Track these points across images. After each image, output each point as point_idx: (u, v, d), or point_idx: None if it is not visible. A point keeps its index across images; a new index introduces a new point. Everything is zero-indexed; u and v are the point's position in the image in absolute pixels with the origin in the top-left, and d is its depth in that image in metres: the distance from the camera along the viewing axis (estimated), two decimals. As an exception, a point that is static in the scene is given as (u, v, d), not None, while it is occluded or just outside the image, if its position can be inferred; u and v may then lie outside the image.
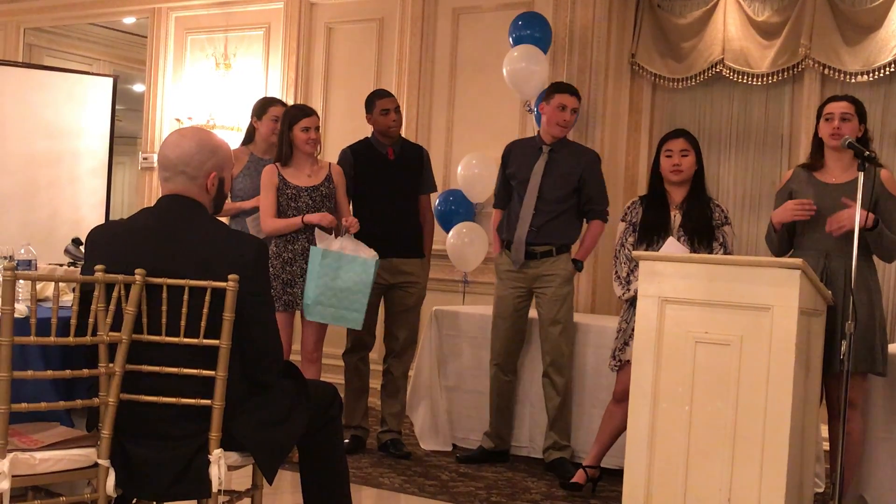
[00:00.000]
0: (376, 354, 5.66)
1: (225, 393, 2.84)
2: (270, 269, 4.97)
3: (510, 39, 6.34)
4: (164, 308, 2.80)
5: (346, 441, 5.39)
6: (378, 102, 5.43)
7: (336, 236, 4.99)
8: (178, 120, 7.87)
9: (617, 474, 4.34)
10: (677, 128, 5.01)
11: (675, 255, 4.36)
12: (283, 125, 5.10)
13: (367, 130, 5.56)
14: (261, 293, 2.94)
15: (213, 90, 7.73)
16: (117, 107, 9.66)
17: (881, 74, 5.67)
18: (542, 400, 5.24)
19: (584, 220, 5.28)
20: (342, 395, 5.41)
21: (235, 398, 2.90)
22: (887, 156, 5.76)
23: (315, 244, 4.91)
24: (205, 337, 2.82)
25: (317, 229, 4.94)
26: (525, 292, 5.21)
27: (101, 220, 7.92)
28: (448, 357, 5.71)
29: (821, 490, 4.80)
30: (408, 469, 5.12)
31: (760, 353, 3.91)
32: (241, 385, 2.94)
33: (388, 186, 5.38)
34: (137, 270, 2.79)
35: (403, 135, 5.72)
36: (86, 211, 7.92)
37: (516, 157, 5.29)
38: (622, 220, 4.80)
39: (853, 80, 5.76)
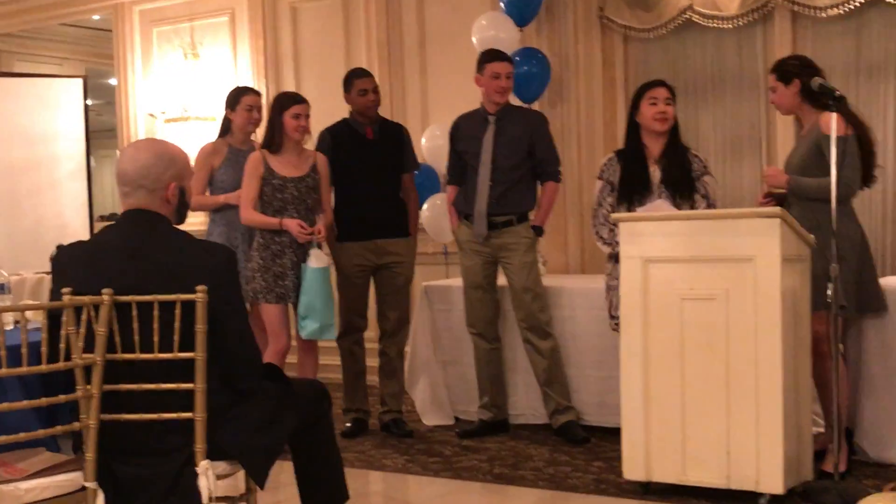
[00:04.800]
0: (373, 333, 5.64)
1: (206, 404, 2.83)
2: (260, 262, 4.95)
3: (501, 5, 6.24)
4: (135, 326, 2.78)
5: (349, 424, 5.41)
6: (356, 82, 5.38)
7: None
8: (151, 115, 7.82)
9: (617, 433, 4.34)
10: (655, 78, 4.96)
11: (654, 213, 4.34)
12: (274, 111, 5.06)
13: (342, 109, 5.51)
14: (232, 302, 2.92)
15: (183, 81, 7.66)
16: (95, 102, 9.64)
17: (851, 7, 5.60)
18: (531, 366, 5.24)
19: (539, 182, 5.26)
20: (341, 379, 5.50)
21: (218, 408, 2.89)
22: (862, 90, 5.70)
23: (305, 258, 4.95)
24: (179, 350, 2.80)
25: (314, 250, 4.96)
26: (491, 260, 5.22)
27: (86, 223, 7.90)
28: (442, 331, 5.70)
29: (822, 430, 4.80)
30: (411, 447, 5.13)
31: (747, 305, 3.92)
32: (222, 394, 2.92)
33: (369, 166, 5.35)
34: (104, 290, 2.77)
35: (379, 111, 5.66)
36: (70, 215, 7.89)
37: (464, 132, 5.27)
38: (599, 178, 4.75)
39: (823, 15, 5.69)
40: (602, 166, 4.78)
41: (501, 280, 5.32)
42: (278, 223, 4.93)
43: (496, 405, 5.37)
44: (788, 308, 3.94)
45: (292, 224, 4.91)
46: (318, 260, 4.95)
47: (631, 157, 4.68)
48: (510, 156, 5.14)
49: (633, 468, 4.15)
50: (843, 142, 4.12)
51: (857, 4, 5.57)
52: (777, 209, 3.90)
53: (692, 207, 4.56)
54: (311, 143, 5.34)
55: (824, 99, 4.21)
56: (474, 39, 6.14)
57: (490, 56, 5.21)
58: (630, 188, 4.63)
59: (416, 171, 5.63)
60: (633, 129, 4.72)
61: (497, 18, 6.15)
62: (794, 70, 4.50)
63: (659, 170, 4.62)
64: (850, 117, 4.34)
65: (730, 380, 3.95)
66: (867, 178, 4.42)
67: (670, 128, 4.67)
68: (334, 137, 5.40)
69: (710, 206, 4.57)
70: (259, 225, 4.99)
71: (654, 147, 4.67)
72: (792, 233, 3.99)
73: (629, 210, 4.56)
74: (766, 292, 3.87)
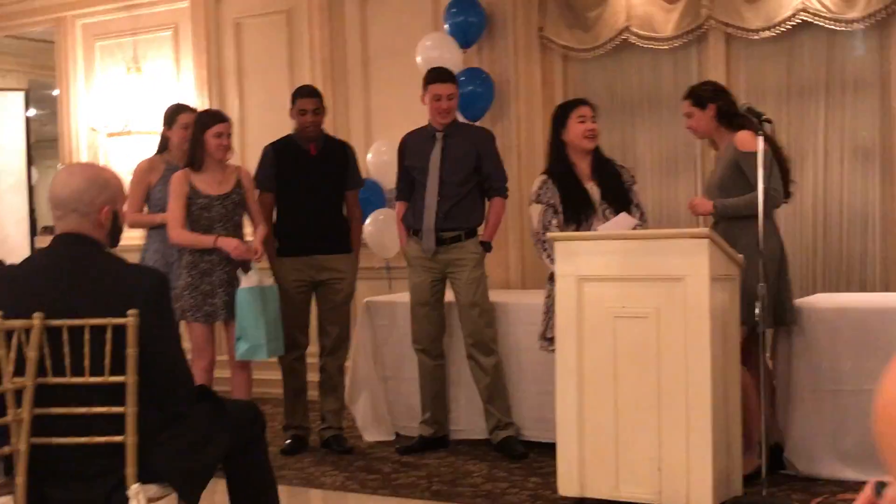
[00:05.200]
0: (315, 349, 5.66)
1: (137, 427, 2.84)
2: (188, 279, 4.96)
3: (446, 27, 6.31)
4: (66, 349, 2.79)
5: (289, 441, 5.42)
6: (298, 101, 5.42)
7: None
8: (93, 129, 7.78)
9: (551, 447, 4.41)
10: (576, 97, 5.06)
11: (587, 233, 4.43)
12: (196, 130, 5.06)
13: (285, 125, 5.53)
14: (164, 325, 2.94)
15: (126, 95, 7.64)
16: (40, 112, 9.55)
17: (782, 29, 5.74)
18: (474, 383, 5.29)
19: (486, 199, 5.33)
20: (282, 396, 5.51)
21: (149, 430, 2.90)
22: (794, 110, 5.85)
23: (236, 276, 4.95)
24: (111, 373, 2.81)
25: (251, 271, 4.96)
26: (439, 276, 5.27)
27: (27, 237, 7.84)
28: (383, 347, 5.74)
29: (754, 444, 4.91)
30: (350, 464, 5.16)
31: (677, 323, 4.00)
32: (153, 417, 2.93)
33: (310, 182, 5.38)
34: (35, 314, 2.78)
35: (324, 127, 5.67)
36: (10, 229, 7.83)
37: (412, 148, 5.33)
38: (537, 202, 4.74)
39: (756, 37, 5.83)
40: (537, 190, 4.75)
41: (449, 296, 5.36)
42: (212, 241, 4.93)
43: (437, 421, 5.41)
44: (717, 326, 4.03)
45: (229, 244, 4.91)
46: (248, 280, 4.96)
47: (566, 177, 4.71)
48: (457, 171, 5.20)
49: (568, 484, 4.21)
50: (764, 156, 4.30)
51: (789, 27, 5.71)
52: (706, 230, 4.00)
53: None
54: (251, 153, 5.33)
55: (739, 121, 4.49)
56: (418, 59, 6.21)
57: (432, 77, 5.28)
58: (576, 209, 4.65)
59: (360, 189, 5.66)
60: (560, 148, 4.76)
61: (441, 39, 6.22)
62: (709, 95, 4.67)
63: (596, 186, 4.67)
64: (765, 136, 4.48)
65: (661, 396, 4.03)
66: (785, 194, 4.58)
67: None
68: (277, 153, 5.43)
69: (642, 214, 4.67)
70: (191, 243, 4.98)
71: (583, 165, 4.72)
72: (721, 252, 4.08)
73: (578, 230, 4.59)
74: (696, 311, 3.96)
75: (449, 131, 5.24)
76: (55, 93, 8.60)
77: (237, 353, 4.99)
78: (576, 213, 4.65)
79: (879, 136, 5.67)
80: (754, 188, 4.24)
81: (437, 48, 6.17)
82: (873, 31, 5.66)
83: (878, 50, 5.69)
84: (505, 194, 5.34)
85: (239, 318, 4.92)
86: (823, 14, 5.59)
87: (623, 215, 4.50)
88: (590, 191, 4.69)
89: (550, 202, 4.69)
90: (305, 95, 5.45)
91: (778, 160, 4.51)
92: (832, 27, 5.62)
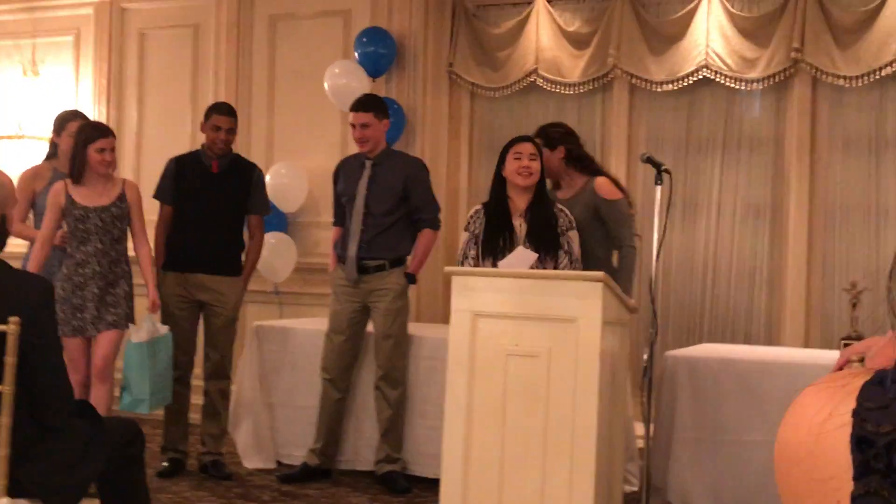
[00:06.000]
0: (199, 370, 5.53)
1: (10, 439, 2.72)
2: (61, 292, 4.77)
3: (356, 55, 6.29)
4: (-60, 354, 2.66)
5: (166, 464, 5.27)
6: (214, 117, 5.31)
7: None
8: (-17, 131, 7.51)
9: (434, 483, 4.38)
10: (522, 134, 4.99)
11: (484, 269, 4.44)
12: (78, 143, 4.90)
13: (182, 139, 5.44)
14: (47, 335, 2.83)
15: (21, 98, 7.41)
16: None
17: (685, 84, 5.89)
18: (370, 412, 5.24)
19: (416, 230, 5.29)
20: (162, 416, 5.36)
21: (23, 443, 2.78)
22: (691, 162, 6.00)
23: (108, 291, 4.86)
24: (-14, 382, 2.70)
25: (146, 321, 4.87)
26: (360, 307, 5.20)
27: None
28: (270, 373, 5.63)
29: (635, 488, 4.96)
30: (228, 491, 5.04)
31: (567, 364, 4.02)
32: (29, 429, 2.82)
33: (207, 199, 5.27)
34: None
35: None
36: None
37: (344, 175, 5.29)
38: (465, 230, 4.70)
39: (659, 90, 5.97)
40: (469, 218, 4.72)
41: (370, 327, 5.30)
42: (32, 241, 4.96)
43: (325, 454, 5.31)
44: (606, 370, 4.07)
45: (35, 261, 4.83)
46: (138, 334, 4.86)
47: (495, 210, 4.64)
48: (384, 201, 5.14)
49: (450, 520, 4.18)
50: (622, 204, 4.64)
51: (691, 82, 5.87)
52: (601, 273, 4.04)
53: (556, 263, 4.53)
54: (147, 164, 5.21)
55: (591, 165, 4.88)
56: (326, 86, 6.18)
57: (351, 105, 5.25)
58: (493, 242, 4.58)
59: (264, 215, 5.57)
60: (499, 183, 4.67)
61: (349, 67, 6.22)
62: (559, 137, 4.87)
63: (525, 223, 4.60)
64: (616, 182, 4.82)
65: (547, 436, 4.04)
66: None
67: (535, 182, 4.62)
68: (179, 166, 5.34)
69: (572, 261, 4.56)
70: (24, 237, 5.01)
71: (520, 201, 4.62)
72: (613, 297, 4.13)
73: (493, 263, 4.55)
74: (587, 353, 3.99)
75: (379, 159, 5.20)
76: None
77: (121, 403, 4.89)
78: (493, 246, 4.57)
79: (771, 194, 5.86)
80: (613, 236, 4.60)
81: (344, 76, 6.17)
82: (771, 93, 5.86)
83: (775, 111, 5.89)
84: (435, 226, 5.26)
85: (125, 369, 4.83)
86: (724, 72, 5.77)
87: (521, 249, 4.44)
88: (517, 227, 4.59)
89: (475, 233, 4.63)
90: (223, 113, 5.36)
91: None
92: (732, 86, 5.80)
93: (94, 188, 4.89)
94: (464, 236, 4.70)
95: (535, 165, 4.58)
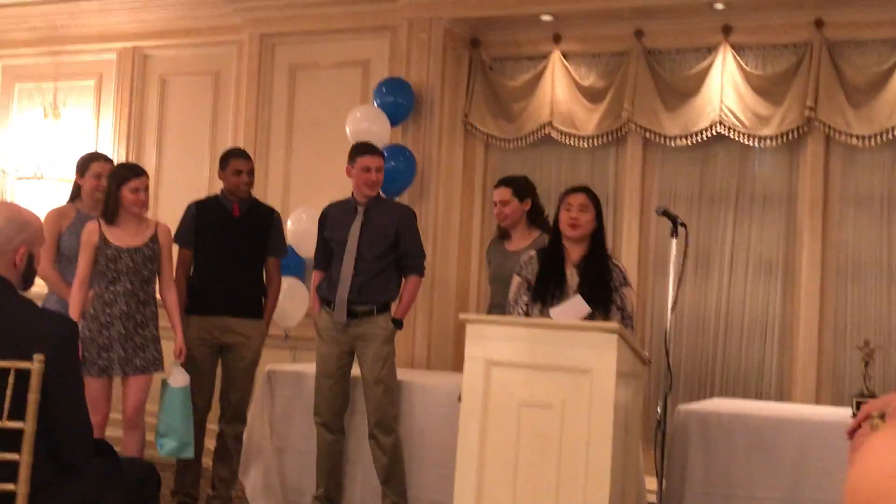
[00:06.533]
0: (214, 414, 5.54)
1: (29, 476, 2.74)
2: (87, 333, 4.82)
3: (375, 103, 6.38)
4: (-36, 390, 2.70)
5: (175, 507, 5.27)
6: (233, 162, 5.39)
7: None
8: (3, 171, 7.60)
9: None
10: (581, 184, 5.00)
11: (501, 318, 4.46)
12: (111, 184, 4.97)
13: (201, 183, 5.49)
14: (70, 374, 2.87)
15: (41, 140, 7.50)
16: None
17: (698, 139, 5.95)
18: (370, 459, 5.24)
19: (403, 276, 5.34)
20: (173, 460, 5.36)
21: (42, 481, 2.80)
22: (706, 216, 6.05)
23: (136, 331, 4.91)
24: (9, 419, 2.72)
25: (175, 367, 4.97)
26: (347, 350, 5.23)
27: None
28: (281, 417, 5.64)
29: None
30: (237, 534, 5.04)
31: (581, 415, 4.02)
32: (47, 467, 2.84)
33: (229, 243, 5.33)
34: (-64, 351, 2.69)
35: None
36: None
37: (332, 220, 5.32)
38: (517, 275, 4.64)
39: (673, 144, 6.03)
40: (521, 262, 4.67)
41: (355, 371, 5.32)
42: (66, 296, 5.00)
43: (329, 498, 5.31)
44: (620, 421, 4.07)
45: (72, 310, 4.86)
46: (178, 379, 4.94)
47: (548, 257, 4.58)
48: (375, 246, 5.19)
49: (460, 570, 4.16)
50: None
51: (705, 138, 5.93)
52: (616, 325, 4.06)
53: (607, 317, 4.42)
54: (165, 210, 5.27)
55: (541, 221, 5.10)
56: (348, 130, 6.25)
57: (362, 150, 5.28)
58: (544, 289, 4.52)
59: (282, 258, 5.62)
60: (556, 231, 4.60)
61: (371, 112, 6.29)
62: (530, 189, 5.12)
63: (577, 275, 4.51)
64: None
65: (560, 487, 4.03)
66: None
67: (589, 234, 4.52)
68: (200, 210, 5.40)
69: (624, 317, 4.43)
70: (52, 287, 5.13)
71: (574, 252, 4.55)
72: (628, 349, 4.15)
73: (542, 310, 4.49)
74: (601, 404, 3.99)
75: (371, 205, 5.25)
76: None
77: (162, 450, 4.95)
78: (543, 293, 4.51)
79: (783, 250, 5.89)
80: None
81: (366, 120, 6.24)
82: (784, 150, 5.91)
83: (788, 168, 5.94)
84: (421, 272, 5.35)
85: (168, 416, 4.91)
86: (738, 129, 5.83)
87: (577, 299, 4.36)
88: (569, 276, 4.52)
89: (528, 277, 4.59)
90: (242, 157, 5.45)
91: None
92: (746, 142, 5.86)
93: (127, 229, 4.95)
94: (515, 281, 4.64)
95: (584, 217, 4.48)
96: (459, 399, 4.93)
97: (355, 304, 5.16)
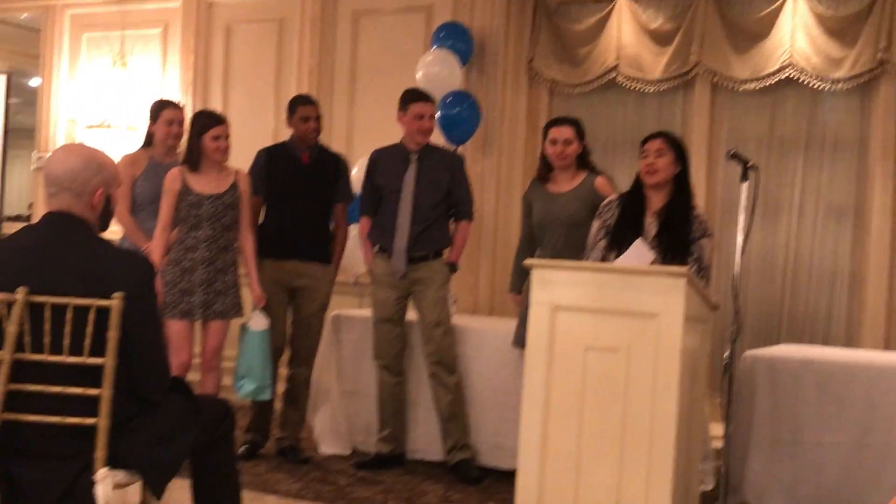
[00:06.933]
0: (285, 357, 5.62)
1: (110, 411, 2.82)
2: (169, 277, 4.94)
3: (433, 48, 6.35)
4: (46, 327, 2.76)
5: (245, 447, 5.37)
6: (300, 109, 5.41)
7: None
8: (72, 120, 7.72)
9: (512, 475, 4.41)
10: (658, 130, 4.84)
11: (565, 263, 4.45)
12: (193, 131, 5.04)
13: (267, 130, 5.53)
14: (147, 311, 2.92)
15: (109, 89, 7.60)
16: (13, 100, 9.45)
17: (768, 83, 5.85)
18: (433, 402, 5.29)
19: (453, 220, 5.37)
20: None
21: (122, 416, 2.88)
22: (775, 162, 5.96)
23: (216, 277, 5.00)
24: (90, 355, 2.79)
25: (255, 312, 5.08)
26: (404, 294, 5.28)
27: (-5, 220, 7.76)
28: (347, 361, 5.72)
29: (709, 488, 4.95)
30: (306, 474, 5.12)
31: (647, 360, 4.00)
32: (127, 403, 2.92)
33: (300, 190, 5.38)
34: (19, 288, 2.75)
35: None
36: (-23, 213, 7.74)
37: (383, 167, 5.32)
38: (597, 218, 4.60)
39: (742, 88, 5.94)
40: (601, 207, 4.61)
41: (410, 314, 5.37)
42: (143, 245, 5.13)
43: (395, 438, 5.39)
44: (687, 366, 4.05)
45: (153, 254, 4.97)
46: (259, 322, 5.03)
47: (628, 204, 4.51)
48: (430, 195, 5.21)
49: (525, 511, 4.20)
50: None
51: (774, 81, 5.82)
52: (685, 269, 4.02)
53: None
54: (232, 158, 5.30)
55: (589, 163, 4.98)
56: (418, 74, 6.24)
57: (413, 96, 5.28)
58: (621, 236, 4.45)
59: (349, 203, 5.65)
60: (638, 179, 4.51)
61: (443, 56, 6.25)
62: (582, 131, 4.98)
63: (656, 224, 4.43)
64: (611, 182, 4.92)
65: (625, 432, 4.03)
66: None
67: (670, 181, 4.42)
68: (271, 157, 5.44)
69: (700, 269, 4.36)
70: (127, 232, 5.27)
71: (655, 200, 4.46)
72: (696, 294, 4.12)
73: (617, 257, 4.42)
74: (668, 349, 3.97)
75: (423, 154, 5.25)
76: (32, 82, 8.54)
77: (241, 392, 5.08)
78: (619, 240, 4.43)
79: (854, 195, 5.79)
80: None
81: (437, 64, 6.21)
82: (856, 93, 5.79)
83: (859, 112, 5.82)
84: (472, 217, 5.38)
85: (248, 358, 5.02)
86: (809, 72, 5.72)
87: (639, 245, 4.27)
88: (647, 225, 4.44)
89: (607, 222, 4.54)
90: (308, 103, 5.47)
91: None
92: (816, 86, 5.74)
93: (208, 176, 5.02)
94: (595, 224, 4.59)
95: (661, 162, 4.36)
96: (513, 344, 5.00)
97: (413, 252, 5.19)
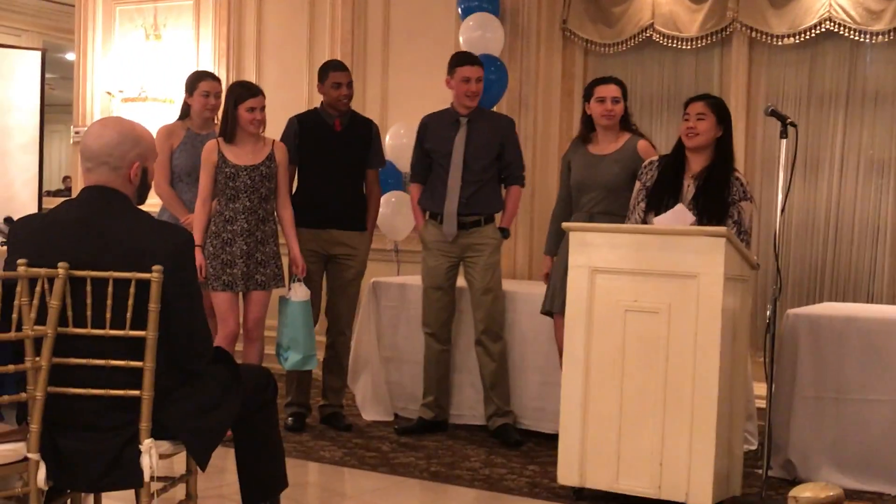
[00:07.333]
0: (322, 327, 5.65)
1: (153, 383, 2.85)
2: (210, 249, 4.98)
3: (459, 10, 6.31)
4: (88, 301, 2.79)
5: (290, 420, 5.39)
6: (332, 74, 5.38)
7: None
8: (109, 93, 7.77)
9: (553, 438, 4.43)
10: (702, 92, 4.88)
11: (605, 225, 4.43)
12: (228, 103, 5.05)
13: (300, 99, 5.51)
14: (187, 283, 2.95)
15: (143, 61, 7.62)
16: (49, 76, 9.54)
17: (807, 37, 5.75)
18: (478, 368, 5.30)
19: (504, 185, 5.34)
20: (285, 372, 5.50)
21: (165, 387, 2.91)
22: (813, 117, 5.87)
23: (256, 248, 5.04)
24: (131, 328, 2.82)
25: (295, 282, 5.10)
26: (456, 261, 5.27)
27: (34, 197, 7.84)
28: (387, 328, 5.74)
29: (753, 447, 4.93)
30: (349, 441, 5.17)
31: (688, 321, 4.00)
32: (170, 374, 2.95)
33: (333, 157, 5.37)
34: (60, 263, 2.78)
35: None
36: (18, 187, 7.83)
37: (433, 131, 5.30)
38: (637, 180, 4.58)
39: (780, 43, 5.84)
40: (642, 167, 4.60)
41: (460, 281, 5.37)
42: (183, 218, 5.16)
43: (439, 405, 5.41)
44: (728, 326, 4.03)
45: (191, 226, 5.02)
46: (300, 293, 5.06)
47: (667, 165, 4.50)
48: (480, 158, 5.19)
49: (568, 473, 4.21)
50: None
51: (813, 35, 5.73)
52: (724, 229, 3.99)
53: None
54: (273, 131, 5.32)
55: (631, 126, 4.90)
56: (461, 39, 6.19)
57: (461, 60, 5.25)
58: (659, 198, 4.44)
59: (381, 169, 5.65)
60: (679, 142, 4.50)
61: (484, 19, 6.19)
62: (627, 94, 4.93)
63: (694, 186, 4.40)
64: (653, 146, 4.87)
65: (667, 393, 4.03)
66: None
67: (711, 144, 4.39)
68: (302, 125, 5.42)
69: (740, 232, 4.28)
70: (166, 204, 5.33)
71: (695, 162, 4.44)
72: (736, 253, 4.09)
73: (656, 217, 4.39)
74: (708, 309, 3.96)
75: (473, 117, 5.23)
76: (69, 56, 8.59)
77: (286, 363, 5.13)
78: (658, 202, 4.42)
79: (896, 150, 5.70)
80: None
81: (479, 28, 6.15)
82: (897, 46, 5.67)
83: (901, 64, 5.70)
84: (523, 183, 5.36)
85: (291, 329, 5.06)
86: (849, 24, 5.61)
87: (680, 208, 4.28)
88: (686, 187, 4.42)
89: (647, 184, 4.53)
90: (340, 69, 5.43)
91: None
92: (856, 38, 5.64)
93: (244, 147, 5.04)
94: (636, 186, 4.58)
95: (702, 126, 4.35)
96: (542, 311, 4.99)
97: (464, 216, 5.18)
